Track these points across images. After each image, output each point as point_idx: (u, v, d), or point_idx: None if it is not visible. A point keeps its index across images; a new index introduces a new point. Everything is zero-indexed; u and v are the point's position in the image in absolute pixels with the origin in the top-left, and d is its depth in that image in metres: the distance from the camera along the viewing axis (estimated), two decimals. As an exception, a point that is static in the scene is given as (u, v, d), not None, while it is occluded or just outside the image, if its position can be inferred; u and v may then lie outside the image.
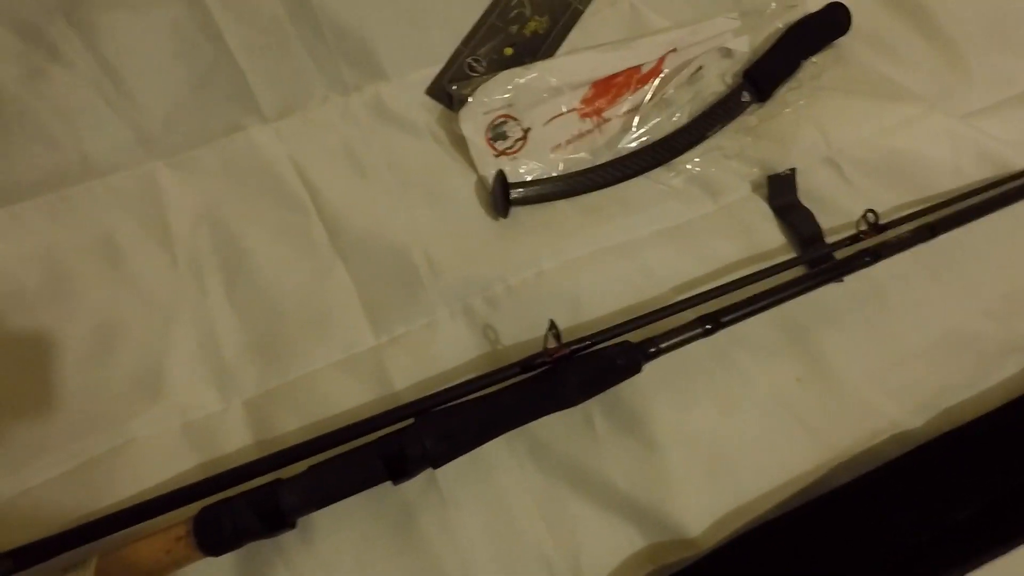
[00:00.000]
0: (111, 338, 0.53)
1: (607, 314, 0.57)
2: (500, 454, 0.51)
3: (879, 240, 0.57)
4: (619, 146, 0.65)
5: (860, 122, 0.67)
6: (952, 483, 0.51)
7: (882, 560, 0.48)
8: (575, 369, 0.48)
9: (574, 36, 0.68)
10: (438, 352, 0.55)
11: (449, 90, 0.63)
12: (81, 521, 0.42)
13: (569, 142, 0.64)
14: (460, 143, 0.63)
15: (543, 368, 0.48)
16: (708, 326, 0.51)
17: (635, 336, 0.50)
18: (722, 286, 0.53)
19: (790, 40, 0.69)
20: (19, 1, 0.55)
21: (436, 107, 0.65)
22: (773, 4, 0.71)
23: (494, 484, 0.50)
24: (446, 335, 0.56)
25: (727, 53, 0.70)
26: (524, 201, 0.61)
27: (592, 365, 0.48)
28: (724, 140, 0.66)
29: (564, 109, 0.64)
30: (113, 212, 0.56)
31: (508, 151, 0.63)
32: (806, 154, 0.65)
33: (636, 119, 0.65)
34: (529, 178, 0.62)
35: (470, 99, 0.62)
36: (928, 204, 0.60)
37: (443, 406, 0.46)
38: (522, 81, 0.63)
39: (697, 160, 0.65)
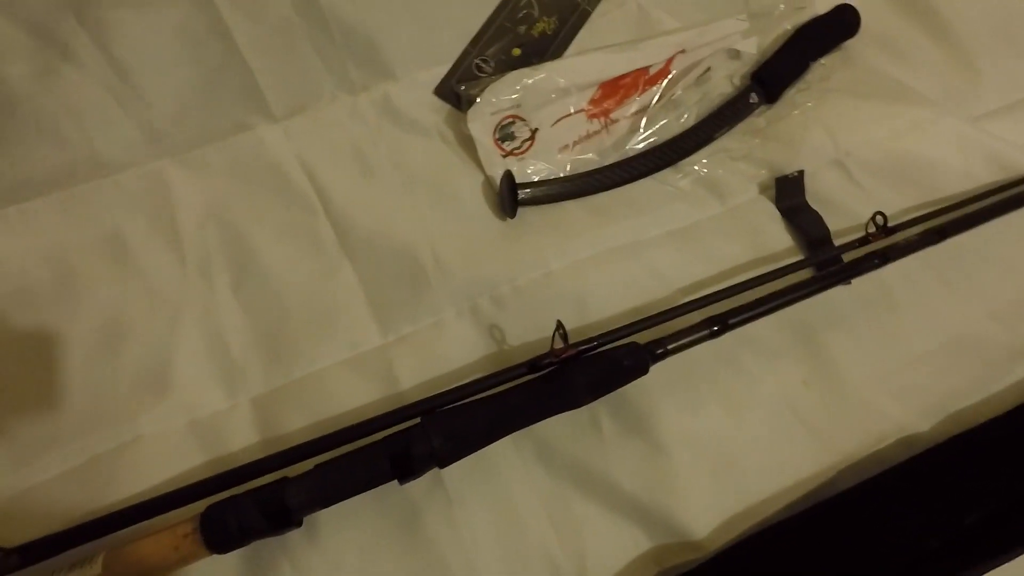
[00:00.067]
0: (118, 335, 0.53)
1: (614, 315, 0.57)
2: (506, 454, 0.51)
3: (887, 243, 0.57)
4: (627, 147, 0.65)
5: (869, 124, 0.67)
6: (960, 488, 0.50)
7: (889, 564, 0.47)
8: (582, 370, 0.47)
9: (582, 37, 0.68)
10: (444, 352, 0.55)
11: (457, 90, 0.64)
12: (88, 518, 0.42)
13: (577, 143, 0.64)
14: (468, 143, 0.63)
15: (550, 368, 0.48)
16: (715, 328, 0.50)
17: (642, 337, 0.50)
18: (729, 288, 0.53)
19: (799, 42, 0.69)
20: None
21: (444, 107, 0.65)
22: (782, 6, 0.71)
23: (500, 484, 0.50)
24: (453, 335, 0.56)
25: (735, 55, 0.70)
26: (531, 201, 0.61)
27: (599, 366, 0.48)
28: (732, 142, 0.66)
29: (572, 110, 0.64)
30: (121, 210, 0.57)
31: (516, 151, 0.63)
32: (814, 156, 0.65)
33: (644, 120, 0.65)
34: (536, 179, 0.62)
35: (478, 99, 0.62)
36: (937, 207, 0.60)
37: (450, 406, 0.46)
38: (530, 82, 0.63)
39: (705, 161, 0.65)
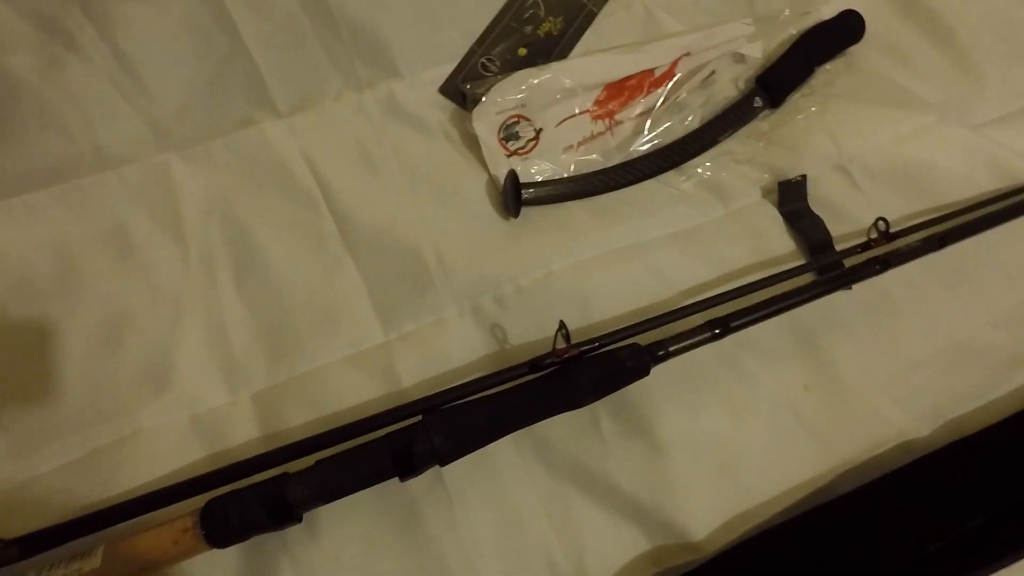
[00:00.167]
0: (120, 329, 0.53)
1: (616, 316, 0.57)
2: (507, 453, 0.51)
3: (889, 248, 0.57)
4: (631, 149, 0.65)
5: (872, 130, 0.67)
6: (959, 493, 0.51)
7: (887, 568, 0.48)
8: (584, 370, 0.48)
9: (588, 38, 0.69)
10: (446, 350, 0.55)
11: (463, 89, 0.64)
12: (88, 510, 0.43)
13: (581, 144, 0.64)
14: (472, 142, 0.63)
15: (552, 368, 0.48)
16: (717, 330, 0.51)
17: (644, 339, 0.50)
18: (731, 291, 0.53)
19: (803, 46, 0.69)
20: (37, -9, 0.56)
21: (449, 106, 0.65)
22: (787, 10, 0.71)
23: (500, 483, 0.50)
24: (455, 333, 0.56)
25: (740, 58, 0.70)
26: (535, 201, 0.61)
27: (601, 366, 0.48)
28: (735, 145, 0.66)
29: (577, 111, 0.64)
30: (125, 203, 0.56)
31: (520, 151, 0.63)
32: (817, 161, 0.65)
33: (648, 122, 0.66)
34: (540, 179, 0.62)
35: (483, 99, 0.62)
36: (939, 213, 0.60)
37: (451, 404, 0.46)
38: (536, 82, 0.63)
39: (708, 164, 0.65)
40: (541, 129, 0.64)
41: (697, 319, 0.51)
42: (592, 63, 0.66)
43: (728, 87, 0.69)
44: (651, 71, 0.67)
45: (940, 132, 0.67)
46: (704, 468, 0.52)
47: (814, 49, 0.70)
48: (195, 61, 0.59)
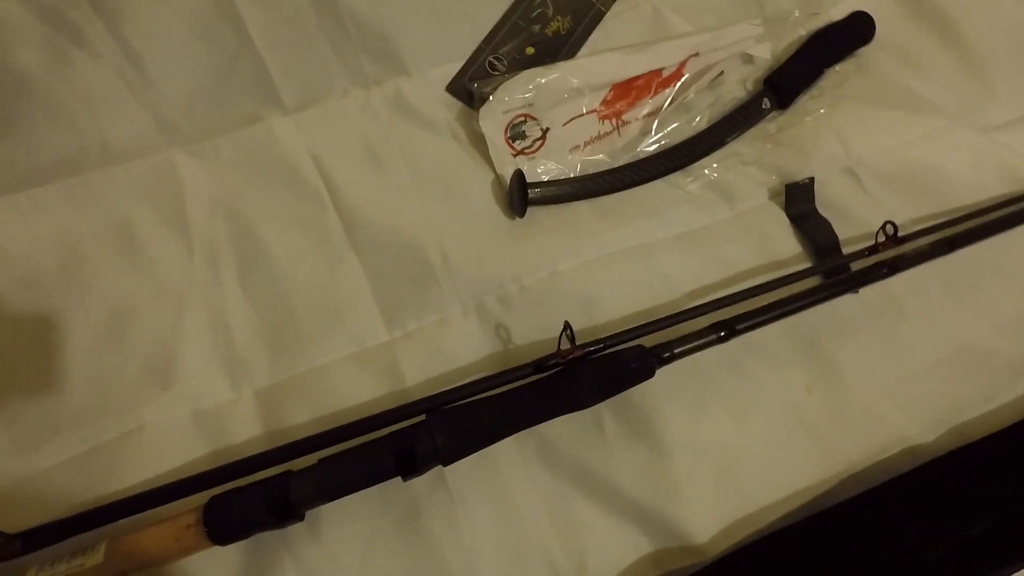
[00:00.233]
0: (125, 324, 0.53)
1: (621, 317, 0.57)
2: (509, 454, 0.51)
3: (896, 252, 0.57)
4: (638, 149, 0.65)
5: (881, 133, 0.67)
6: (963, 499, 0.51)
7: (889, 574, 0.47)
8: (588, 371, 0.47)
9: (596, 37, 0.68)
10: (450, 349, 0.55)
11: (470, 88, 0.63)
12: (90, 506, 0.43)
13: (588, 143, 0.64)
14: (479, 141, 0.63)
15: (556, 369, 0.48)
16: (722, 333, 0.50)
17: (649, 340, 0.50)
18: (737, 293, 0.53)
19: (812, 48, 0.69)
20: (44, -15, 0.55)
21: (456, 104, 0.65)
22: (796, 11, 0.71)
23: (502, 483, 0.50)
24: (458, 332, 0.56)
25: (749, 59, 0.70)
26: (541, 201, 0.61)
27: (605, 368, 0.48)
28: (743, 147, 0.66)
29: (584, 110, 0.64)
30: (131, 199, 0.56)
31: (526, 151, 0.63)
32: (825, 163, 0.65)
33: (655, 123, 0.65)
34: (546, 178, 0.62)
35: (490, 97, 0.62)
36: (947, 218, 0.60)
37: (454, 404, 0.46)
38: (543, 81, 0.63)
39: (715, 166, 0.65)
40: (548, 128, 0.63)
41: (702, 321, 0.51)
42: (600, 63, 0.66)
43: (736, 88, 0.69)
44: (659, 71, 0.66)
45: (949, 136, 0.66)
46: (707, 471, 0.52)
47: (823, 51, 0.69)
48: (202, 57, 0.59)
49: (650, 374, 0.49)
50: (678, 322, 0.51)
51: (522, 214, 0.60)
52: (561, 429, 0.51)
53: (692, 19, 0.70)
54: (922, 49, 0.71)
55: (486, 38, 0.66)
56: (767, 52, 0.69)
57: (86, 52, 0.56)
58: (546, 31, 0.67)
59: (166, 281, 0.55)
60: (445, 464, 0.45)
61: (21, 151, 0.54)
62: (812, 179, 0.63)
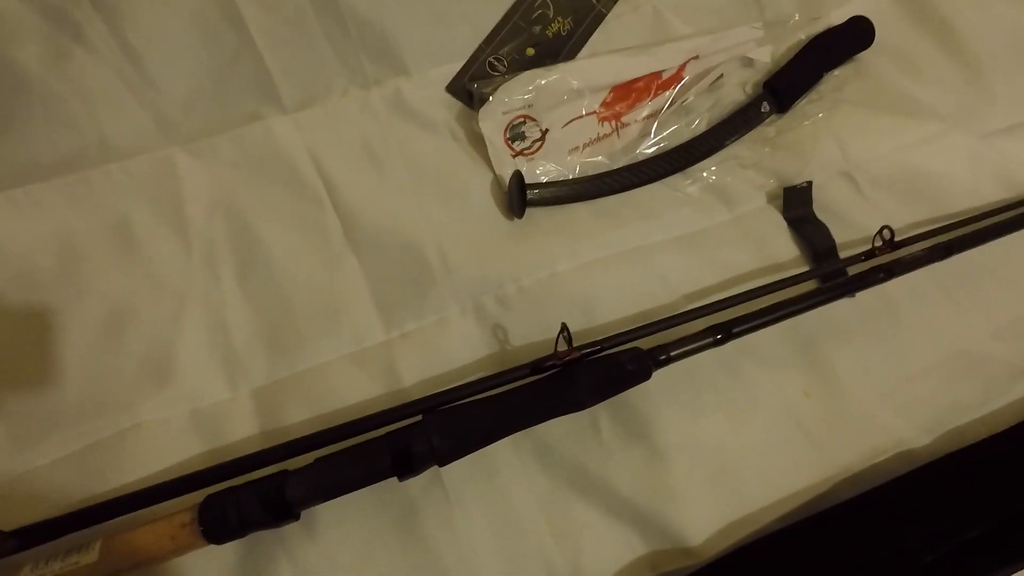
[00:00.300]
0: (122, 322, 0.53)
1: (619, 319, 0.57)
2: (505, 455, 0.51)
3: (893, 257, 0.57)
4: (637, 151, 0.65)
5: (879, 137, 0.67)
6: (957, 504, 0.51)
7: (884, 578, 0.48)
8: (585, 373, 0.47)
9: (596, 39, 0.68)
10: (447, 349, 0.55)
11: (470, 88, 0.63)
12: (86, 503, 0.43)
13: (587, 145, 0.64)
14: (478, 142, 0.63)
15: (553, 370, 0.48)
16: (719, 336, 0.50)
17: (646, 342, 0.50)
18: (734, 296, 0.53)
19: (812, 52, 0.69)
20: (45, -18, 0.55)
21: (455, 104, 0.65)
22: (797, 15, 0.71)
23: (498, 484, 0.50)
24: (456, 333, 0.56)
25: (748, 62, 0.70)
26: (540, 202, 0.61)
27: (602, 370, 0.48)
28: (742, 150, 0.66)
29: (583, 112, 0.64)
30: (129, 196, 0.56)
31: (526, 152, 0.63)
32: (823, 167, 0.65)
33: (655, 125, 0.65)
34: (545, 179, 0.62)
35: (490, 98, 0.62)
36: (944, 223, 0.60)
37: (451, 404, 0.46)
38: (543, 82, 0.63)
39: (714, 169, 0.65)
40: (547, 130, 0.63)
41: (699, 324, 0.51)
42: (600, 64, 0.66)
43: (736, 91, 0.69)
44: (659, 74, 0.66)
45: (947, 141, 0.67)
46: (703, 473, 0.52)
47: (823, 55, 0.69)
48: (202, 55, 0.59)
49: (646, 376, 0.49)
50: (675, 324, 0.51)
51: (521, 215, 0.60)
52: (558, 430, 0.51)
53: (693, 22, 0.70)
54: (921, 54, 0.71)
55: (486, 38, 0.66)
56: (767, 55, 0.69)
57: (86, 50, 0.56)
58: (547, 32, 0.67)
59: (164, 280, 0.55)
60: (441, 464, 0.45)
61: (20, 148, 0.55)
62: (810, 183, 0.63)
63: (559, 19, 0.67)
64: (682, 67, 0.67)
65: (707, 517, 0.51)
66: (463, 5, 0.65)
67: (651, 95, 0.66)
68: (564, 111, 0.64)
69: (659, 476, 0.51)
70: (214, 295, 0.55)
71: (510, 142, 0.63)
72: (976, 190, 0.65)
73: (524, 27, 0.67)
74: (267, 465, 0.44)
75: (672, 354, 0.49)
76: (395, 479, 0.44)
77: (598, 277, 0.58)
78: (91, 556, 0.40)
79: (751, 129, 0.66)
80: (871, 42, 0.70)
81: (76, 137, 0.56)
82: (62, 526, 0.41)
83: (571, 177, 0.63)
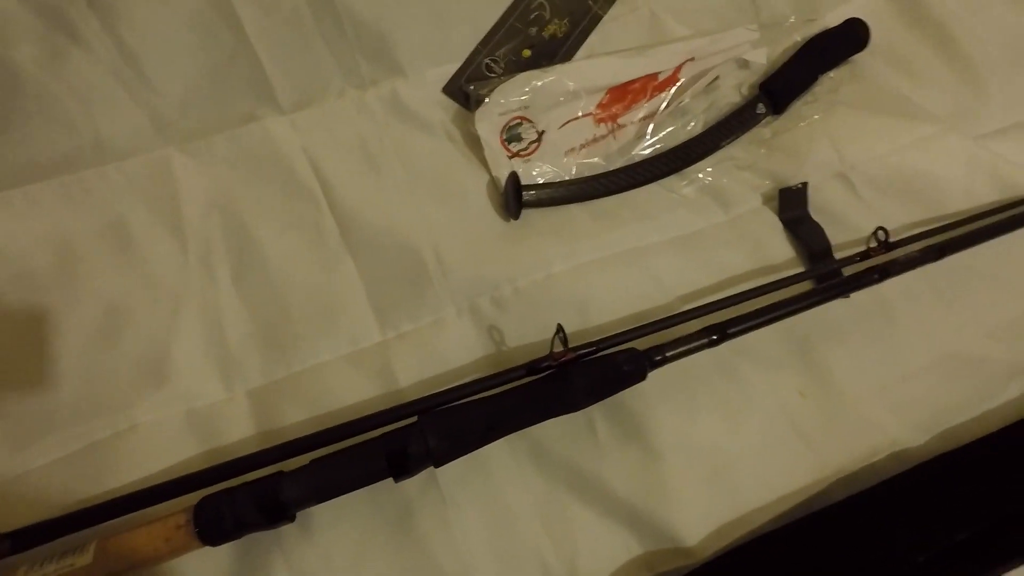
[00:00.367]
0: (118, 323, 0.53)
1: (614, 320, 0.57)
2: (501, 456, 0.51)
3: (888, 258, 0.57)
4: (633, 153, 0.65)
5: (874, 139, 0.67)
6: (950, 504, 0.51)
7: (877, 577, 0.48)
8: (581, 374, 0.48)
9: (593, 41, 0.68)
10: (443, 350, 0.55)
11: (466, 89, 0.63)
12: (81, 505, 0.43)
13: (583, 146, 0.64)
14: (474, 143, 0.63)
15: (549, 371, 0.48)
16: (714, 336, 0.51)
17: (641, 343, 0.50)
18: (729, 297, 0.53)
19: (808, 54, 0.69)
20: (41, -18, 0.55)
21: (452, 106, 0.65)
22: (792, 17, 0.71)
23: (494, 485, 0.51)
24: (452, 334, 0.56)
25: (744, 64, 0.70)
26: (536, 203, 0.61)
27: (598, 371, 0.48)
28: (737, 151, 0.66)
29: (580, 113, 0.64)
30: (125, 197, 0.56)
31: (522, 153, 0.63)
32: (819, 169, 0.65)
33: (651, 126, 0.66)
34: (542, 181, 0.62)
35: (487, 99, 0.62)
36: (939, 224, 0.60)
37: (447, 405, 0.46)
38: (539, 84, 0.63)
39: (710, 170, 0.65)
40: (544, 131, 0.64)
41: (695, 325, 0.51)
42: (596, 66, 0.66)
43: (731, 93, 0.69)
44: (655, 75, 0.67)
45: (942, 142, 0.67)
46: (698, 473, 0.52)
47: (818, 56, 0.69)
48: (198, 55, 0.59)
49: (642, 377, 0.49)
50: (671, 325, 0.51)
51: (517, 216, 0.60)
52: (553, 431, 0.51)
53: (689, 23, 0.70)
54: (916, 56, 0.71)
55: (483, 40, 0.66)
56: (762, 57, 0.69)
57: (81, 49, 0.56)
58: (543, 34, 0.67)
59: (160, 280, 0.55)
60: (437, 465, 0.45)
61: (16, 148, 0.54)
62: (805, 184, 0.63)
63: (556, 21, 0.67)
64: (678, 69, 0.67)
65: (703, 517, 0.51)
66: (460, 6, 0.65)
67: (647, 97, 0.66)
68: (560, 112, 0.64)
69: (655, 476, 0.52)
70: (210, 295, 0.55)
71: (506, 143, 0.63)
72: (971, 191, 0.65)
73: (521, 29, 0.67)
74: (263, 466, 0.44)
75: (668, 355, 0.49)
76: (391, 480, 0.44)
77: (594, 278, 0.58)
78: (86, 558, 0.40)
79: (747, 131, 0.67)
80: (866, 44, 0.70)
81: (72, 137, 0.56)
82: (57, 528, 0.41)
83: (567, 178, 0.63)
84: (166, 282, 0.55)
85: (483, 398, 0.47)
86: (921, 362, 0.58)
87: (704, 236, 0.62)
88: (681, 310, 0.52)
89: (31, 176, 0.55)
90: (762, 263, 0.61)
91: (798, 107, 0.68)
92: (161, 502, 0.43)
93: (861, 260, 0.57)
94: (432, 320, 0.56)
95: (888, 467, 0.53)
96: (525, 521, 0.50)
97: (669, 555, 0.50)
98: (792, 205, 0.63)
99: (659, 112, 0.66)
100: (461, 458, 0.46)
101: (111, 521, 0.42)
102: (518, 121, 0.63)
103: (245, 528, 0.42)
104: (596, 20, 0.69)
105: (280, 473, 0.43)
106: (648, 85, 0.66)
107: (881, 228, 0.57)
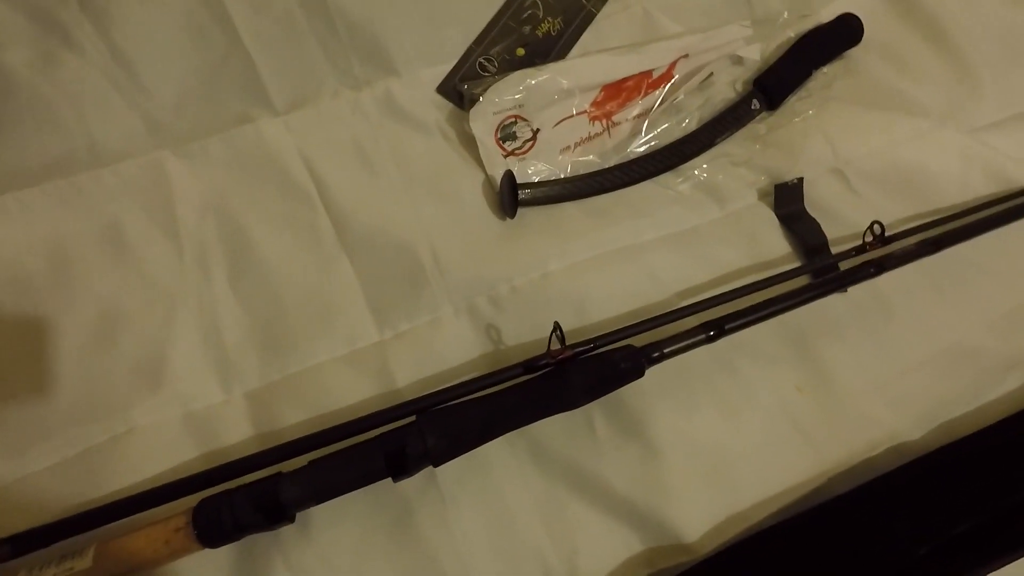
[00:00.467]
0: (114, 326, 0.52)
1: (611, 317, 0.57)
2: (500, 454, 0.51)
3: (884, 252, 0.57)
4: (628, 150, 0.65)
5: (869, 133, 0.67)
6: (950, 497, 0.51)
7: (877, 571, 0.48)
8: (578, 371, 0.48)
9: (586, 39, 0.68)
10: (441, 350, 0.55)
11: (460, 89, 0.63)
12: (80, 509, 0.43)
13: (578, 144, 0.64)
14: (469, 142, 0.63)
15: (546, 369, 0.48)
16: (711, 333, 0.51)
17: (639, 340, 0.50)
18: (726, 293, 0.53)
19: (801, 49, 0.70)
20: (33, -15, 0.55)
21: (446, 105, 0.64)
22: (785, 13, 0.71)
23: (493, 484, 0.51)
24: (450, 333, 0.56)
25: (738, 60, 0.70)
26: (532, 202, 0.61)
27: (596, 368, 0.48)
28: (732, 147, 0.66)
29: (574, 111, 0.64)
30: (120, 200, 0.56)
31: (517, 152, 0.63)
32: (814, 164, 0.65)
33: (645, 124, 0.66)
34: (537, 179, 0.62)
35: (481, 98, 0.62)
36: (934, 217, 0.61)
37: (445, 404, 0.46)
38: (533, 82, 0.63)
39: (705, 166, 0.65)
40: (538, 130, 0.64)
41: (692, 321, 0.51)
42: (590, 64, 0.66)
43: (726, 89, 0.69)
44: (649, 72, 0.67)
45: (936, 136, 0.67)
46: (697, 470, 0.52)
47: (812, 52, 0.70)
48: (192, 57, 0.59)
49: (640, 374, 0.49)
50: (668, 322, 0.51)
51: (513, 215, 0.60)
52: (552, 429, 0.51)
53: (682, 20, 0.70)
54: (910, 51, 0.72)
55: (477, 39, 0.66)
56: (756, 53, 0.70)
57: (74, 53, 0.56)
58: (537, 32, 0.67)
59: (156, 283, 0.54)
60: (436, 465, 0.45)
61: (9, 153, 0.54)
62: (801, 179, 0.63)
63: (549, 19, 0.67)
64: (672, 66, 0.67)
65: (702, 513, 0.51)
66: (453, 6, 0.65)
67: (641, 94, 0.66)
68: (555, 111, 0.64)
69: (654, 473, 0.52)
70: (206, 297, 0.54)
71: (501, 142, 0.63)
72: (965, 185, 0.65)
73: (514, 27, 0.67)
74: (261, 468, 0.44)
75: (665, 351, 0.50)
76: (390, 480, 0.44)
77: (590, 276, 0.58)
78: (85, 562, 0.40)
79: (741, 127, 0.67)
80: (860, 39, 0.70)
81: (66, 141, 0.56)
82: (56, 532, 0.41)
83: (562, 176, 0.63)
84: (162, 285, 0.54)
85: (481, 397, 0.47)
86: (918, 355, 0.58)
87: (700, 232, 0.62)
88: (678, 307, 0.52)
89: (25, 180, 0.54)
90: (758, 259, 0.61)
91: (792, 103, 0.69)
92: (160, 505, 0.43)
93: (857, 254, 0.57)
94: (429, 319, 0.56)
95: (887, 461, 0.53)
96: (525, 519, 0.50)
97: (669, 552, 0.50)
98: (788, 200, 0.63)
99: (653, 109, 0.66)
100: (460, 457, 0.46)
101: (110, 524, 0.42)
102: (513, 120, 0.63)
103: (244, 530, 0.42)
104: (589, 18, 0.69)
105: (279, 474, 0.43)
106: (642, 82, 0.66)
107: (877, 222, 0.57)
